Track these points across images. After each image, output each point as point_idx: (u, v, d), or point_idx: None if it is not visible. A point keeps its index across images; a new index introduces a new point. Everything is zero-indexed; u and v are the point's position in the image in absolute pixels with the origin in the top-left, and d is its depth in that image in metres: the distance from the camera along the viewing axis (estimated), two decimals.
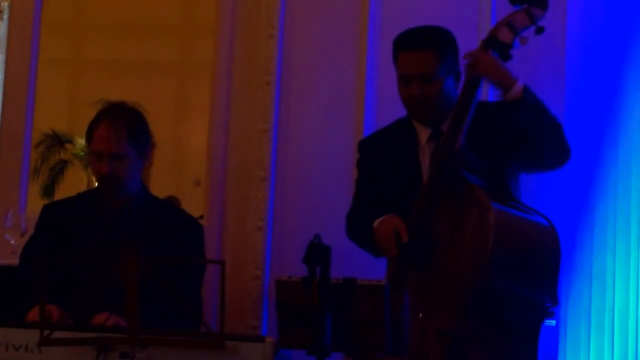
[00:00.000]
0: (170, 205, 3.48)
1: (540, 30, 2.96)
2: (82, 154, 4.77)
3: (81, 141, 4.70)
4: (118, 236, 3.09)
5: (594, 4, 4.07)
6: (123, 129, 3.18)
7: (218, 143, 4.33)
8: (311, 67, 4.28)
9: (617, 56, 4.04)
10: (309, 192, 4.23)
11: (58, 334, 2.59)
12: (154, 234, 3.17)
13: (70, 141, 4.98)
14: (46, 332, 2.57)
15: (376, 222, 3.03)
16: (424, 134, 3.10)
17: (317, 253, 2.52)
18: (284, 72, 4.30)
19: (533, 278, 2.78)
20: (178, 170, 5.49)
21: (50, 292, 2.95)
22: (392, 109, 4.18)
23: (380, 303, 2.68)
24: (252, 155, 4.27)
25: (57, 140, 5.03)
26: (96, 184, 3.37)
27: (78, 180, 4.97)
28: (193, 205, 3.79)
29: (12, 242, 4.27)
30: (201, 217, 4.08)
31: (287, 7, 4.30)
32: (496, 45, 2.94)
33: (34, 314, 2.98)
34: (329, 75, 4.25)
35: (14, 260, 3.87)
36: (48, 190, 4.99)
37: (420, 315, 2.81)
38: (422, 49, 3.03)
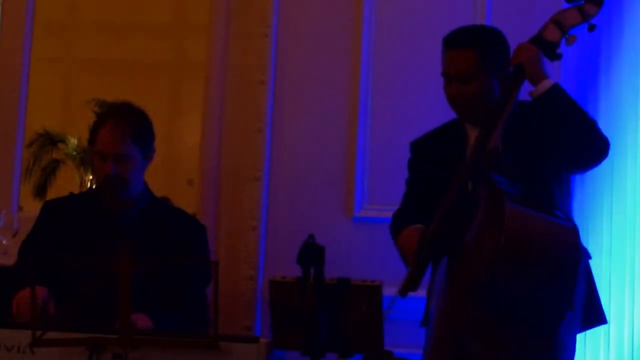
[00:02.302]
0: (173, 206, 3.46)
1: (592, 28, 2.92)
2: (75, 153, 4.76)
3: (74, 141, 4.69)
4: (120, 237, 3.07)
5: None
6: (128, 130, 3.17)
7: (211, 142, 4.32)
8: (305, 66, 4.27)
9: (612, 57, 4.04)
10: (303, 191, 4.22)
11: (50, 335, 2.57)
12: (156, 235, 3.16)
13: (63, 141, 4.96)
14: (38, 332, 2.55)
15: (402, 232, 3.00)
16: (473, 133, 3.05)
17: (311, 253, 2.51)
18: (278, 72, 4.29)
19: (546, 280, 2.73)
20: (171, 169, 5.47)
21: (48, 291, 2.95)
22: (387, 108, 4.18)
23: (375, 303, 2.67)
24: (245, 154, 4.26)
25: (50, 140, 5.01)
26: (97, 185, 3.34)
27: (70, 180, 4.95)
28: (186, 205, 3.77)
29: (4, 242, 4.25)
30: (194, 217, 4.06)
31: (281, 5, 4.29)
32: (543, 44, 2.91)
33: (20, 297, 2.96)
34: (323, 74, 4.24)
35: (6, 261, 3.85)
36: (40, 190, 4.97)
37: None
38: (463, 48, 2.99)
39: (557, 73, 4.01)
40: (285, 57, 4.28)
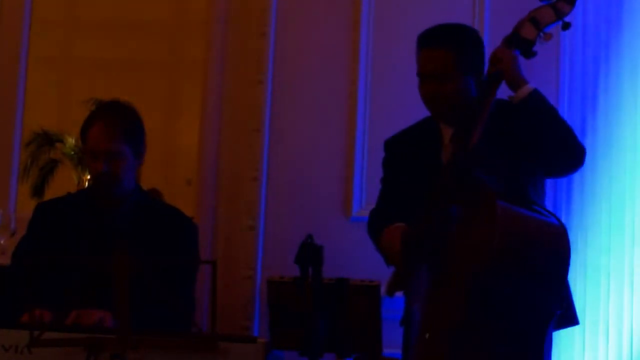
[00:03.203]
0: (165, 205, 3.45)
1: (566, 26, 2.92)
2: (73, 153, 4.74)
3: (71, 140, 4.67)
4: (112, 236, 3.06)
5: (588, 4, 4.08)
6: (119, 127, 3.15)
7: (209, 142, 4.31)
8: (303, 66, 4.27)
9: (611, 56, 4.04)
10: (301, 191, 4.21)
11: (48, 335, 2.57)
12: (148, 234, 3.15)
13: (60, 140, 4.94)
14: (36, 332, 2.54)
15: (386, 230, 2.99)
16: (447, 132, 3.06)
17: (310, 253, 2.50)
18: (275, 71, 4.28)
19: (539, 279, 2.74)
20: (169, 169, 5.46)
21: (42, 292, 2.94)
22: (384, 108, 4.18)
23: (373, 303, 2.67)
24: (243, 154, 4.25)
25: (47, 139, 4.99)
26: (91, 183, 3.33)
27: (68, 180, 4.93)
28: (184, 204, 3.76)
29: (1, 242, 4.24)
30: (192, 218, 4.05)
31: (279, 5, 4.29)
32: (519, 42, 2.91)
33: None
34: (321, 74, 4.24)
35: (4, 260, 3.85)
36: (38, 189, 4.95)
37: (427, 335, 2.78)
38: (440, 48, 2.98)
39: (556, 73, 4.02)
40: (283, 57, 4.28)
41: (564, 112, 4.02)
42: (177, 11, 5.40)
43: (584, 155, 2.94)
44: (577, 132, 3.98)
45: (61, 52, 5.54)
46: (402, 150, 3.16)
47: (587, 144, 3.99)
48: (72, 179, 4.69)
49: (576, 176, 3.95)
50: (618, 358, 3.89)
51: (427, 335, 2.74)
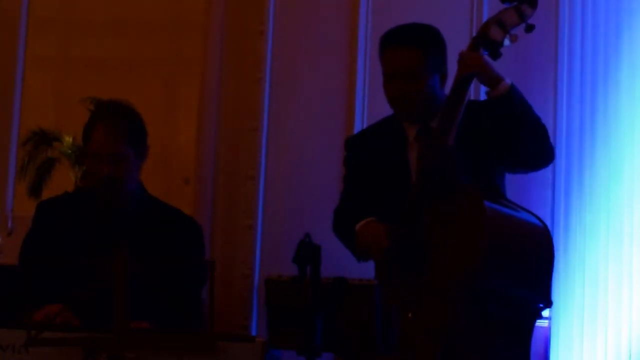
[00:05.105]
0: (167, 205, 3.45)
1: (530, 28, 2.96)
2: (70, 152, 4.73)
3: (69, 139, 4.66)
4: (116, 236, 3.06)
5: (586, 3, 4.07)
6: (123, 130, 3.16)
7: (207, 141, 4.31)
8: (301, 65, 4.26)
9: (608, 54, 4.04)
10: (299, 190, 4.21)
11: (46, 335, 2.56)
12: (152, 234, 3.15)
13: (58, 139, 4.93)
14: (33, 332, 2.54)
15: (358, 226, 3.00)
16: (411, 131, 3.08)
17: (308, 252, 2.50)
18: (274, 70, 4.28)
19: (526, 278, 2.77)
20: (166, 168, 5.45)
21: (48, 292, 2.94)
22: (382, 107, 4.17)
23: (371, 302, 2.66)
24: (241, 153, 4.25)
25: (45, 138, 4.98)
26: (94, 185, 3.33)
27: (66, 179, 4.92)
28: (182, 204, 3.76)
29: None
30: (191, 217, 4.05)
31: (277, 3, 4.29)
32: (487, 43, 2.94)
33: (40, 314, 2.96)
34: (319, 73, 4.24)
35: (1, 259, 3.84)
36: (35, 189, 4.94)
37: (410, 315, 2.79)
38: (407, 47, 3.02)
39: (555, 72, 4.02)
40: (281, 55, 4.28)
41: (562, 111, 4.02)
42: (174, 10, 5.39)
43: (554, 152, 3.02)
44: (576, 132, 4.03)
45: (58, 51, 5.53)
46: (365, 149, 3.18)
47: (586, 143, 4.01)
48: (69, 178, 4.68)
49: (575, 176, 3.96)
50: (617, 358, 3.89)
51: (410, 315, 2.75)
